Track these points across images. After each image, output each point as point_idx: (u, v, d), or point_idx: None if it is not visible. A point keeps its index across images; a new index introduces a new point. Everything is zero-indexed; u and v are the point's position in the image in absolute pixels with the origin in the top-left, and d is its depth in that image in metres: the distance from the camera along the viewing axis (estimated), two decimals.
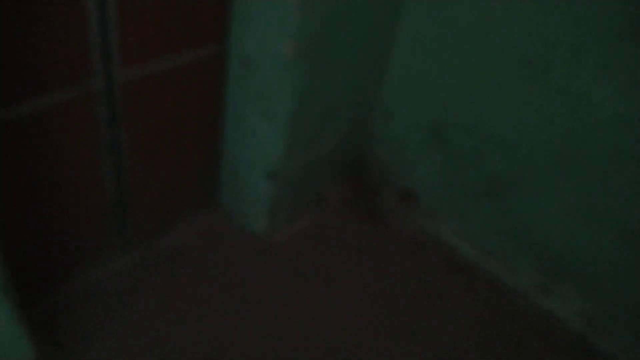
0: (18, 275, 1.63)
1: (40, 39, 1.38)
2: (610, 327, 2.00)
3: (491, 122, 2.07)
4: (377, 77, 2.28)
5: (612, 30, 1.64)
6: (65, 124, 1.59)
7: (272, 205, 2.19)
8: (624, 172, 1.78)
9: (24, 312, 1.51)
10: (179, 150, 2.01)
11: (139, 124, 1.79)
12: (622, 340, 1.98)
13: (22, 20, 1.31)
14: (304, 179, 2.27)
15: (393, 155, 2.47)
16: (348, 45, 1.95)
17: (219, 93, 2.01)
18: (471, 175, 2.22)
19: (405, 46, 2.18)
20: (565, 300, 2.11)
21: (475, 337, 2.04)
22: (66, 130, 1.60)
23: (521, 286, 2.24)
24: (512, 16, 1.83)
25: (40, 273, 1.83)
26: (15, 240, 1.66)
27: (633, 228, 1.83)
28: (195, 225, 2.29)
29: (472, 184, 2.24)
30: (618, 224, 1.87)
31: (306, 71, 1.82)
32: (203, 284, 2.08)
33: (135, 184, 1.93)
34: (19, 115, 1.45)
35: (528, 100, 1.93)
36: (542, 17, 1.77)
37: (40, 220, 1.71)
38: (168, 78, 1.77)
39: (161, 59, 1.71)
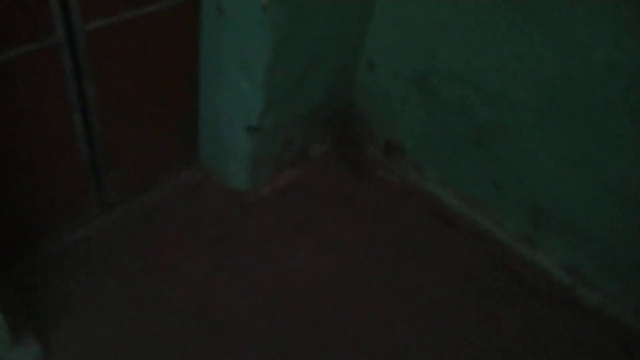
0: None
1: None
2: (595, 278, 2.02)
3: (478, 70, 1.99)
4: (362, 24, 2.17)
5: None
6: (32, 78, 1.50)
7: (254, 161, 2.13)
8: (614, 123, 1.73)
9: None
10: (154, 104, 1.92)
11: (108, 77, 1.70)
12: (607, 292, 2.00)
13: None
14: (286, 133, 2.20)
15: (378, 106, 2.39)
16: None
17: (194, 44, 1.90)
18: (458, 126, 2.17)
19: None
20: (550, 252, 2.11)
21: (459, 288, 2.05)
22: (33, 85, 1.51)
23: (506, 237, 2.23)
24: None
25: (13, 236, 1.77)
26: None
27: (620, 178, 1.80)
28: (176, 183, 2.23)
29: (458, 134, 2.18)
30: (606, 175, 1.83)
31: (283, 18, 1.71)
32: (186, 240, 2.04)
33: (108, 140, 1.85)
34: None
35: (517, 46, 1.85)
36: None
37: (11, 179, 1.65)
38: (135, 28, 1.66)
39: (127, 7, 1.59)
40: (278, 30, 1.72)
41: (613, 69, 1.65)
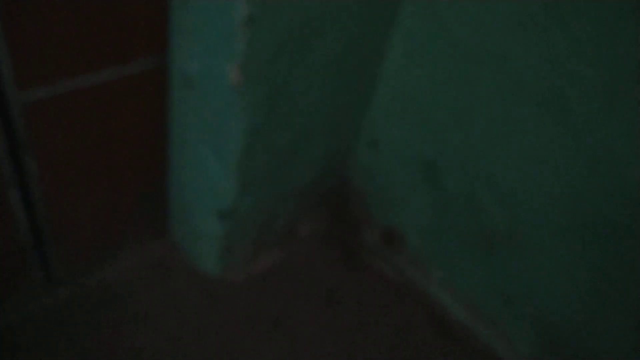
0: None
1: None
2: None
3: (492, 165, 1.70)
4: (362, 100, 1.91)
5: None
6: None
7: (226, 245, 1.86)
8: None
9: None
10: (111, 176, 1.68)
11: (53, 149, 1.47)
12: None
13: None
14: (268, 213, 1.93)
15: (378, 188, 2.11)
16: (321, 66, 1.58)
17: (161, 112, 1.67)
18: (465, 224, 1.86)
19: (396, 66, 1.80)
20: None
21: None
22: None
23: (512, 357, 1.89)
24: (529, 39, 1.44)
25: None
26: None
27: None
28: (138, 259, 1.97)
29: (465, 233, 1.88)
30: (637, 311, 1.50)
31: (261, 97, 1.46)
32: (136, 332, 1.77)
33: (53, 215, 1.61)
34: None
35: (538, 144, 1.56)
36: (568, 43, 1.37)
37: None
38: (88, 98, 1.43)
39: (75, 78, 1.37)
40: (253, 110, 1.47)
41: None
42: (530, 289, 1.76)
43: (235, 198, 1.68)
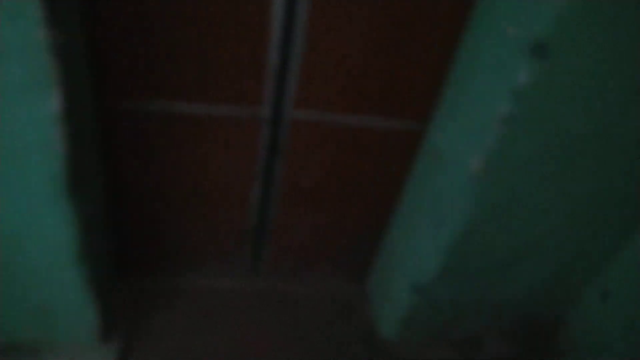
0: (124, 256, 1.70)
1: (217, 48, 1.33)
2: None
3: None
4: (609, 245, 1.62)
5: None
6: (224, 140, 1.54)
7: (410, 318, 1.79)
8: None
9: (105, 288, 1.55)
10: (340, 208, 1.80)
11: (299, 164, 1.65)
12: None
13: (204, 25, 1.28)
14: (457, 309, 1.79)
15: (596, 340, 1.75)
16: (570, 192, 1.40)
17: (401, 172, 1.71)
18: None
19: None
20: None
21: None
22: (223, 143, 1.56)
23: None
24: None
25: (160, 252, 1.88)
26: (141, 227, 1.73)
27: None
28: (328, 289, 2.06)
29: None
30: None
31: (496, 196, 1.37)
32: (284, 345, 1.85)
33: (280, 217, 1.81)
34: (182, 114, 1.45)
35: None
36: None
37: (173, 219, 1.74)
38: (344, 135, 1.56)
39: (339, 114, 1.51)
40: (484, 203, 1.39)
41: None
42: None
43: (434, 276, 1.61)
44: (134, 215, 1.72)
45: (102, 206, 1.56)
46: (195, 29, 1.28)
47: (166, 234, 1.80)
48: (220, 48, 1.32)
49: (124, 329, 1.73)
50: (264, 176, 1.67)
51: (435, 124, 1.52)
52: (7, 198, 1.19)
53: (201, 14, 1.25)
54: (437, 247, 1.56)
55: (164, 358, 1.71)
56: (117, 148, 1.51)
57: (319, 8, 1.27)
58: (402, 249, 1.76)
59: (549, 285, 1.75)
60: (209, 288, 1.97)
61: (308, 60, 1.37)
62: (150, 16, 1.24)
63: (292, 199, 1.75)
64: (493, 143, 1.24)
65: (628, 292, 1.64)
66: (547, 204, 1.44)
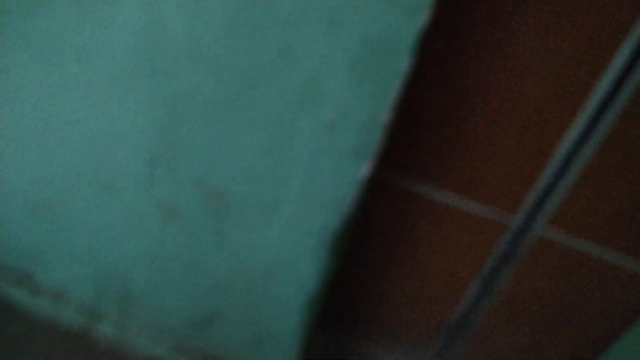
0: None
1: (499, 152, 1.43)
2: None
3: None
4: None
5: None
6: (464, 232, 1.62)
7: None
8: None
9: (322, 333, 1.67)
10: (542, 332, 1.76)
11: (524, 283, 1.65)
12: None
13: (496, 129, 1.40)
14: None
15: None
16: None
17: (621, 319, 1.63)
18: None
19: None
20: None
21: None
22: (461, 237, 1.64)
23: None
24: None
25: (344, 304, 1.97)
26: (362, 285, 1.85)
27: None
28: None
29: None
30: None
31: None
32: None
33: (481, 325, 1.81)
34: (441, 202, 1.56)
35: None
36: None
37: (387, 290, 1.83)
38: (582, 264, 1.55)
39: (590, 242, 1.50)
40: None
41: None
42: None
43: None
44: (353, 276, 1.85)
45: (343, 263, 1.71)
46: (486, 129, 1.40)
47: (374, 302, 1.89)
48: (501, 153, 1.42)
49: None
50: (486, 279, 1.70)
51: None
52: (289, 231, 1.37)
53: (500, 117, 1.37)
54: None
55: None
56: (371, 212, 1.66)
57: (607, 145, 1.32)
58: None
59: None
60: None
61: (579, 184, 1.41)
62: (449, 115, 1.39)
63: (503, 309, 1.75)
64: None
65: None
66: None
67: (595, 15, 1.19)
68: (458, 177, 1.50)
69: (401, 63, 1.05)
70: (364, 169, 1.22)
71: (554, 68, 1.26)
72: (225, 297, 1.59)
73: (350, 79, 1.09)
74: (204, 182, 1.35)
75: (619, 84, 1.26)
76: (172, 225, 1.47)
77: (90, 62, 1.24)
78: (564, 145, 1.36)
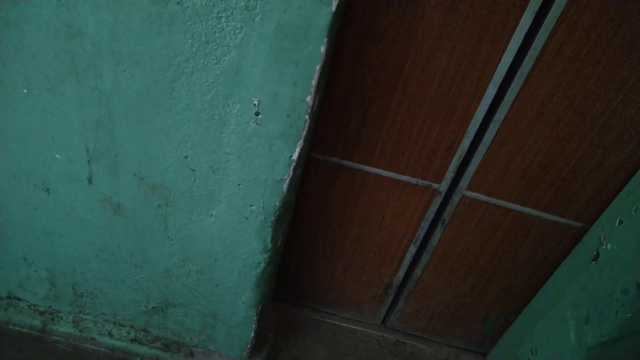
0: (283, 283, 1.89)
1: (418, 127, 1.54)
2: None
3: None
4: None
5: None
6: (399, 200, 1.73)
7: None
8: None
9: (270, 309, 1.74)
10: (477, 284, 1.92)
11: (456, 237, 1.79)
12: None
13: (413, 107, 1.50)
14: None
15: None
16: None
17: (543, 264, 1.81)
18: None
19: None
20: None
21: None
22: (396, 205, 1.75)
23: None
24: None
25: (303, 283, 2.07)
26: (300, 257, 1.94)
27: None
28: (449, 354, 2.14)
29: None
30: None
31: None
32: None
33: (422, 278, 1.94)
34: (368, 172, 1.67)
35: None
36: None
37: (331, 260, 1.94)
38: (505, 218, 1.70)
39: (509, 203, 1.65)
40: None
41: None
42: None
43: None
44: (299, 250, 1.93)
45: (284, 240, 1.79)
46: (405, 109, 1.50)
47: (321, 271, 1.99)
48: (420, 127, 1.53)
49: (268, 350, 1.91)
50: (422, 241, 1.83)
51: (600, 224, 1.61)
52: (230, 215, 1.43)
53: (413, 96, 1.47)
54: (578, 341, 1.60)
55: None
56: (305, 190, 1.75)
57: (517, 110, 1.45)
58: (535, 335, 1.82)
59: None
60: (345, 328, 2.12)
61: (493, 151, 1.54)
62: (368, 95, 1.48)
63: (440, 265, 1.89)
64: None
65: None
66: None
67: None
68: (383, 155, 1.60)
69: (318, 47, 1.11)
70: (296, 150, 1.28)
71: (461, 42, 1.36)
72: (175, 284, 1.64)
73: (272, 64, 1.14)
74: (144, 176, 1.39)
75: (520, 53, 1.38)
76: (118, 219, 1.50)
77: (10, 63, 1.24)
78: (478, 115, 1.48)
